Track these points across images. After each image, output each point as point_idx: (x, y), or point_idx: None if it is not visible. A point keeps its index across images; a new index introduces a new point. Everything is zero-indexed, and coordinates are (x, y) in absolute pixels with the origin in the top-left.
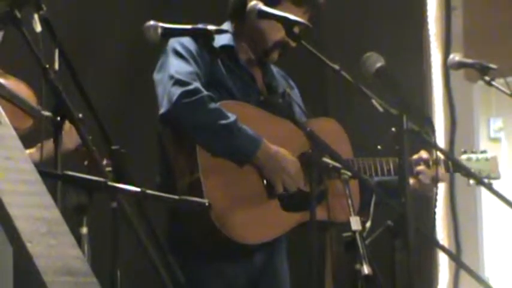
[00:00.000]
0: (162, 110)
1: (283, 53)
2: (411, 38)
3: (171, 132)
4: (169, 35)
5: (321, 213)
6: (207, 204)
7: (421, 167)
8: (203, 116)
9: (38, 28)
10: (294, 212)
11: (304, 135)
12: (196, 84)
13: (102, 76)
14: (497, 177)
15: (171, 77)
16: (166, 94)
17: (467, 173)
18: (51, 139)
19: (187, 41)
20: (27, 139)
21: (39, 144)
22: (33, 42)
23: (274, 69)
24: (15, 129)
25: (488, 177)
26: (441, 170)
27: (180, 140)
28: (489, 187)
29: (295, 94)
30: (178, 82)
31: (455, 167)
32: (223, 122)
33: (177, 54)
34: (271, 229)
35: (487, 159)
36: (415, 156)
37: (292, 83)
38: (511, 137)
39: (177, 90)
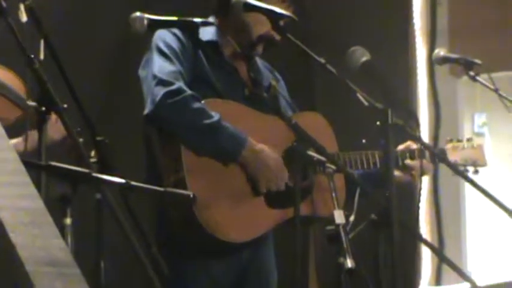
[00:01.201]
0: (146, 111)
1: (268, 47)
2: (396, 32)
3: (157, 130)
4: (155, 26)
5: (305, 209)
6: (191, 196)
7: (409, 161)
8: (187, 116)
9: (24, 18)
10: (279, 209)
11: (289, 129)
12: (180, 84)
13: (87, 67)
14: (483, 165)
15: (154, 77)
16: (149, 94)
17: (451, 166)
18: (37, 129)
19: (170, 38)
20: (16, 129)
21: (28, 134)
22: (18, 32)
23: (260, 62)
24: (3, 119)
25: (475, 165)
26: (426, 161)
27: (166, 139)
28: (472, 181)
29: (281, 87)
30: (161, 82)
31: (440, 159)
32: (207, 121)
33: (161, 52)
34: (256, 226)
35: (473, 147)
36: (402, 147)
37: (278, 75)
38: (495, 133)
39: (160, 91)
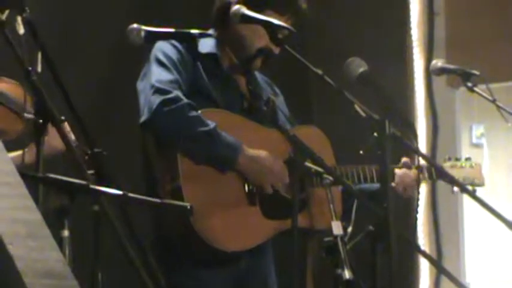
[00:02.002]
0: (142, 118)
1: (267, 61)
2: (394, 43)
3: (153, 139)
4: (152, 38)
5: (302, 221)
6: (188, 207)
7: (402, 170)
8: (183, 124)
9: (21, 30)
10: (276, 220)
11: (287, 142)
12: (177, 93)
13: (84, 78)
14: (481, 184)
15: (152, 86)
16: (146, 103)
17: (450, 180)
18: (35, 141)
19: (169, 49)
20: (16, 143)
21: (29, 146)
22: (16, 44)
23: (259, 75)
24: (6, 131)
25: (473, 184)
26: (423, 176)
27: (162, 147)
28: (472, 194)
29: (280, 101)
30: (158, 91)
31: (437, 174)
32: (203, 129)
33: (159, 62)
34: (253, 236)
35: (471, 166)
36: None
37: (277, 89)
38: (493, 143)
39: (156, 99)
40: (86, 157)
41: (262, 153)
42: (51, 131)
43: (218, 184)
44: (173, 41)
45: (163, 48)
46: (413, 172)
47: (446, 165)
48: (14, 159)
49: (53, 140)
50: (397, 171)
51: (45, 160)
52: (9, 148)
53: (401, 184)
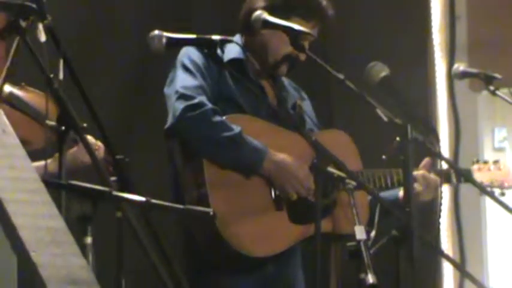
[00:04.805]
0: (167, 125)
1: (292, 67)
2: (415, 47)
3: (179, 146)
4: (173, 44)
5: (327, 226)
6: (211, 213)
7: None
8: (207, 129)
9: (43, 38)
10: (302, 224)
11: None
12: (201, 98)
13: (107, 85)
14: (511, 187)
15: (176, 92)
16: (171, 109)
17: (474, 183)
18: (69, 150)
19: (195, 54)
20: (44, 152)
21: (56, 155)
22: (38, 52)
23: (286, 80)
24: (29, 141)
25: (502, 187)
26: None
27: (188, 154)
28: (494, 197)
29: (307, 106)
30: (182, 96)
31: (461, 177)
32: (227, 134)
33: (185, 68)
34: (280, 242)
35: (499, 169)
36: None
37: (304, 95)
38: None
39: (181, 105)
40: (110, 168)
41: (288, 158)
42: (79, 146)
43: (244, 190)
44: (199, 47)
45: (189, 54)
46: (433, 175)
47: (474, 168)
48: (37, 169)
49: (79, 154)
50: (417, 173)
51: (70, 171)
52: (33, 158)
53: (422, 184)
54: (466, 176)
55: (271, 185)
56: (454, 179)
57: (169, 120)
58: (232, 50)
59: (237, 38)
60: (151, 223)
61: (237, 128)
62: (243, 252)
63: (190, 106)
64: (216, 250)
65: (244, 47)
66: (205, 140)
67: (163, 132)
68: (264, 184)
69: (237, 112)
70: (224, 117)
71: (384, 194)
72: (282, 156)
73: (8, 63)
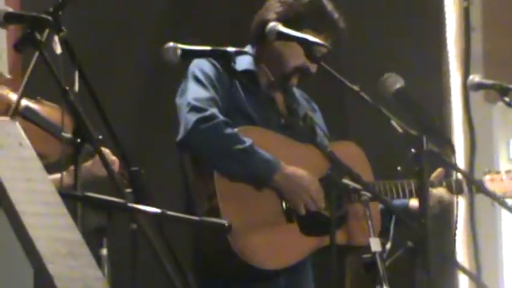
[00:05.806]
0: (178, 137)
1: (304, 79)
2: (430, 58)
3: (190, 158)
4: (188, 56)
5: (341, 238)
6: (226, 225)
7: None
8: (219, 142)
9: (58, 50)
10: (314, 236)
11: (324, 158)
12: (213, 110)
13: (121, 97)
14: None
15: (188, 104)
16: (183, 121)
17: (489, 194)
18: (84, 164)
19: (206, 66)
20: (60, 164)
21: (71, 168)
22: (53, 64)
23: (297, 91)
24: (45, 155)
25: None
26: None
27: (199, 166)
28: (508, 207)
29: (318, 117)
30: (194, 108)
31: (476, 188)
32: (239, 146)
33: (196, 80)
34: (291, 254)
35: None
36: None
37: (315, 106)
38: None
39: (192, 117)
40: (125, 181)
41: (299, 171)
42: (95, 159)
43: (255, 202)
44: (210, 58)
45: (200, 65)
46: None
47: (486, 179)
48: (53, 182)
49: (95, 168)
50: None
51: (85, 184)
52: (49, 171)
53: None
54: (477, 186)
55: (282, 197)
56: (466, 190)
57: (181, 132)
58: (243, 61)
59: (248, 49)
60: (164, 234)
61: (248, 141)
62: (253, 265)
63: (202, 118)
64: (226, 262)
65: (256, 58)
66: (217, 152)
67: (175, 144)
68: (274, 196)
69: (247, 124)
70: (236, 130)
71: (394, 203)
72: (293, 169)
73: (25, 78)
